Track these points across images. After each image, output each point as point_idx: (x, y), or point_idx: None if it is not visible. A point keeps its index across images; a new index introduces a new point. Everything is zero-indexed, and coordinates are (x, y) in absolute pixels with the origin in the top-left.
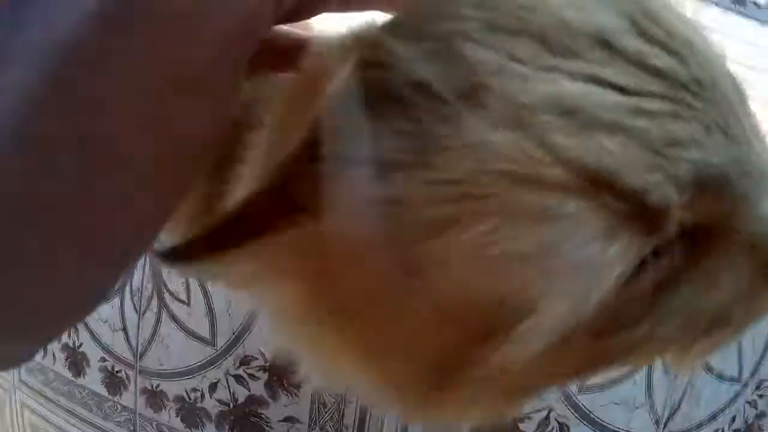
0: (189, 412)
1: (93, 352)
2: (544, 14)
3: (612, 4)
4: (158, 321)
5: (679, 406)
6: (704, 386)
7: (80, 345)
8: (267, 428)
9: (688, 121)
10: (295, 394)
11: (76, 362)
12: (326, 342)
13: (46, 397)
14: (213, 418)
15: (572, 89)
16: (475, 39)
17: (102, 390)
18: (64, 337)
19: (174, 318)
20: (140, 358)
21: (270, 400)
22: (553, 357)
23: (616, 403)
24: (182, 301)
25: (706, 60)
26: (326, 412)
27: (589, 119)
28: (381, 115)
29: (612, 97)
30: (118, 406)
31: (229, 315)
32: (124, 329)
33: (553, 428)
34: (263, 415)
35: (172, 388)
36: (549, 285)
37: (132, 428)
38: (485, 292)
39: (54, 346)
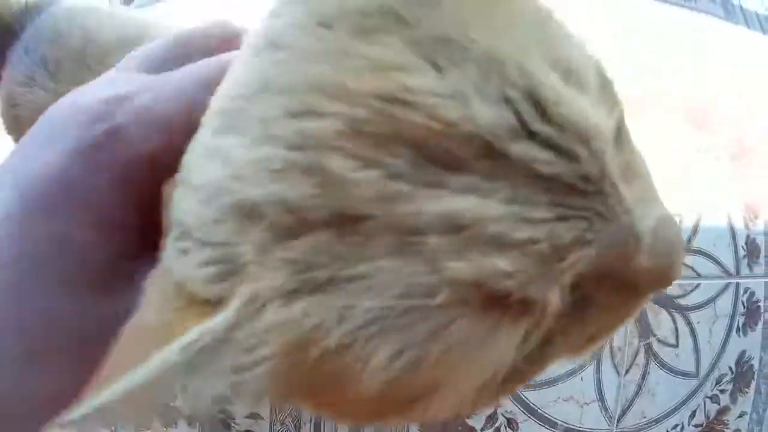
0: (164, 409)
1: None
2: (418, 111)
3: (495, 89)
4: None
5: (632, 402)
6: (659, 382)
7: None
8: (233, 424)
9: (572, 221)
10: None
11: None
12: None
13: None
14: (185, 415)
15: (459, 205)
16: (340, 148)
17: None
18: None
19: None
20: None
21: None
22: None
23: (564, 399)
24: None
25: (596, 146)
26: (287, 408)
27: (477, 236)
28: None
29: (499, 210)
30: None
31: None
32: None
33: (501, 424)
34: (227, 412)
35: None
36: (454, 373)
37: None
38: (395, 391)
39: None
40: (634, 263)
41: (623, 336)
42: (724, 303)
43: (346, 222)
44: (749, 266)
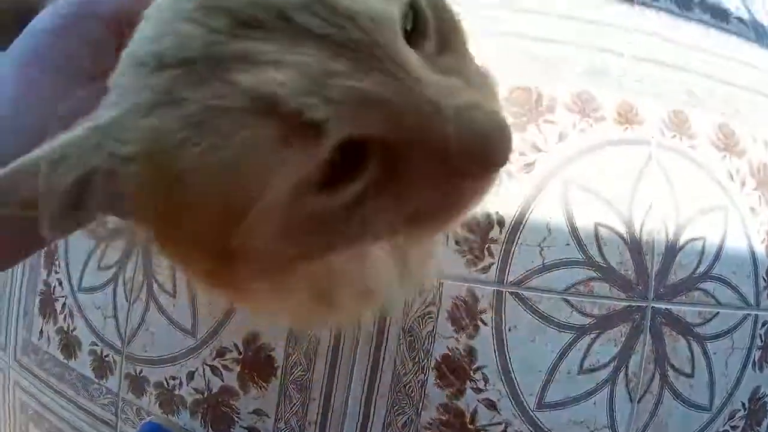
0: (167, 396)
1: (85, 337)
2: None
3: None
4: (146, 310)
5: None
6: (671, 414)
7: (74, 329)
8: (237, 419)
9: (342, 61)
10: (264, 387)
11: (69, 345)
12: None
13: (37, 377)
14: (188, 404)
15: (252, 45)
16: (191, 18)
17: (90, 373)
18: (60, 320)
19: (161, 309)
20: (127, 343)
21: (241, 392)
22: (290, 236)
23: (576, 423)
24: (168, 293)
25: (362, 28)
26: (291, 408)
27: (263, 61)
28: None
29: (281, 47)
30: (104, 389)
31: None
32: (115, 317)
33: None
34: (234, 406)
35: (154, 375)
36: (253, 184)
37: (114, 411)
38: (219, 195)
39: (49, 328)
40: (438, 134)
41: (639, 362)
42: (742, 335)
43: (186, 63)
44: None
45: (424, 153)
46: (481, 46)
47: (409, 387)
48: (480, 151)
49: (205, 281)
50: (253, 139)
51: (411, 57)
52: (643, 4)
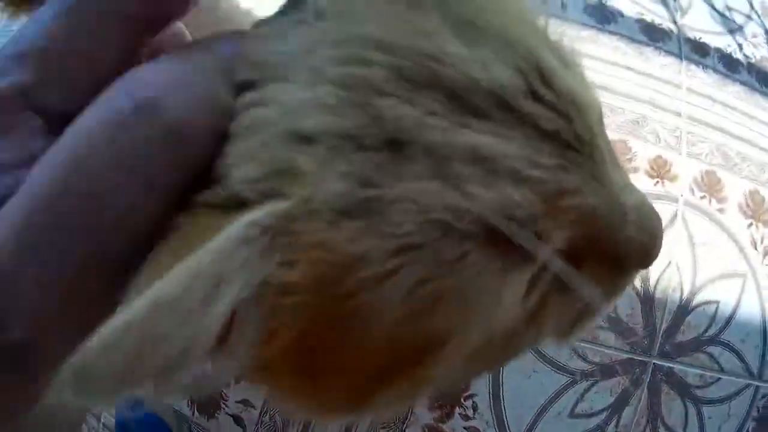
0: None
1: None
2: (452, 68)
3: (510, 61)
4: None
5: None
6: None
7: None
8: (224, 405)
9: (571, 172)
10: None
11: None
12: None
13: None
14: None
15: (483, 141)
16: (386, 91)
17: None
18: None
19: None
20: None
21: (232, 381)
22: (468, 365)
23: None
24: None
25: (586, 116)
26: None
27: (496, 169)
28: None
29: (514, 150)
30: None
31: None
32: None
33: None
34: (223, 393)
35: None
36: (464, 318)
37: None
38: (410, 331)
39: None
40: (620, 235)
41: (632, 415)
42: (740, 404)
43: (393, 146)
44: None
45: (600, 254)
46: None
47: None
48: (649, 249)
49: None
50: (480, 267)
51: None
52: (690, 60)
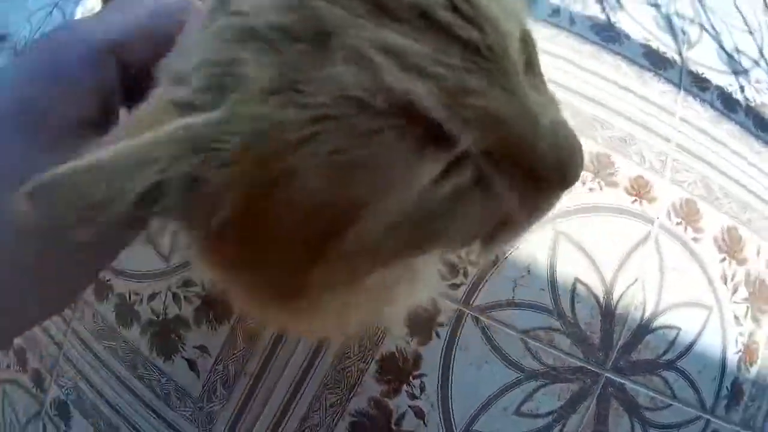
0: (124, 309)
1: None
2: None
3: None
4: None
5: None
6: None
7: None
8: (181, 349)
9: (477, 76)
10: (215, 328)
11: None
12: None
13: None
14: (141, 322)
15: (398, 40)
16: None
17: None
18: None
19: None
20: None
21: (193, 326)
22: (383, 246)
23: None
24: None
25: (500, 32)
26: (233, 354)
27: (407, 64)
28: (246, 51)
29: (423, 49)
30: None
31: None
32: None
33: None
34: (182, 336)
35: (119, 285)
36: (379, 187)
37: (72, 307)
38: (332, 196)
39: None
40: (534, 148)
41: (577, 424)
42: None
43: (319, 38)
44: (726, 409)
45: (516, 165)
46: None
47: (348, 371)
48: (565, 167)
49: (271, 292)
50: (392, 142)
51: (521, 72)
52: (689, 91)
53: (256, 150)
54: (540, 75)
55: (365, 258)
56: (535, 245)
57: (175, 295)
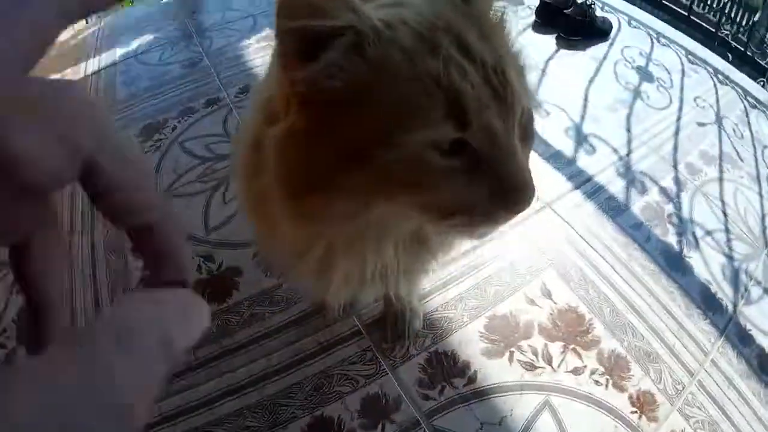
0: None
1: None
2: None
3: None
4: None
5: None
6: None
7: None
8: None
9: (496, 104)
10: None
11: None
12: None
13: None
14: None
15: (457, 57)
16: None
17: None
18: None
19: None
20: None
21: None
22: (390, 177)
23: None
24: None
25: (514, 92)
26: None
27: (469, 77)
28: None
29: (470, 67)
30: None
31: None
32: None
33: None
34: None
35: None
36: (406, 127)
37: None
38: (381, 115)
39: None
40: (506, 166)
41: None
42: None
43: (425, 25)
44: None
45: (492, 172)
46: None
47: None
48: (519, 194)
49: (289, 189)
50: (434, 95)
51: (517, 123)
52: (730, 341)
53: (386, 61)
54: (529, 146)
55: (376, 180)
56: (523, 403)
57: None
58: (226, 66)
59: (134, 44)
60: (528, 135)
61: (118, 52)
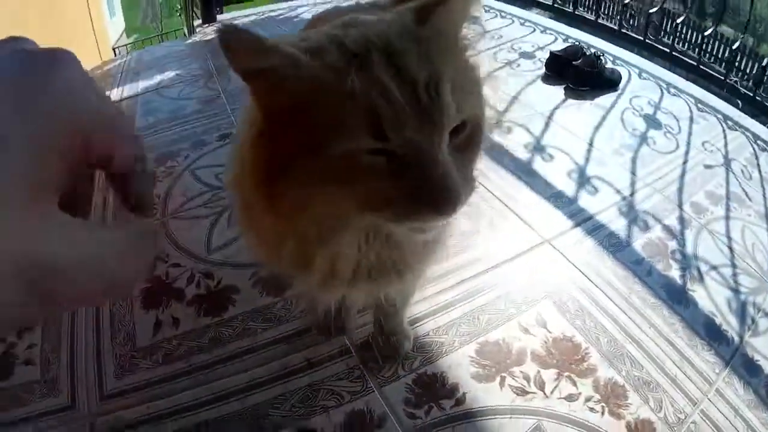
0: None
1: None
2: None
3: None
4: None
5: None
6: None
7: None
8: None
9: (419, 118)
10: None
11: None
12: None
13: None
14: None
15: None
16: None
17: None
18: None
19: None
20: None
21: None
22: (326, 191)
23: None
24: None
25: (442, 115)
26: None
27: (390, 95)
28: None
29: (395, 83)
30: None
31: None
32: None
33: None
34: None
35: None
36: (336, 135)
37: None
38: (321, 119)
39: None
40: (429, 171)
41: None
42: None
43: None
44: None
45: (417, 174)
46: None
47: None
48: (440, 197)
49: (259, 176)
50: (354, 110)
51: (447, 136)
52: (736, 371)
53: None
54: (472, 158)
55: (319, 172)
56: (513, 427)
57: None
58: (240, 104)
59: (157, 78)
60: (471, 144)
61: (141, 84)
